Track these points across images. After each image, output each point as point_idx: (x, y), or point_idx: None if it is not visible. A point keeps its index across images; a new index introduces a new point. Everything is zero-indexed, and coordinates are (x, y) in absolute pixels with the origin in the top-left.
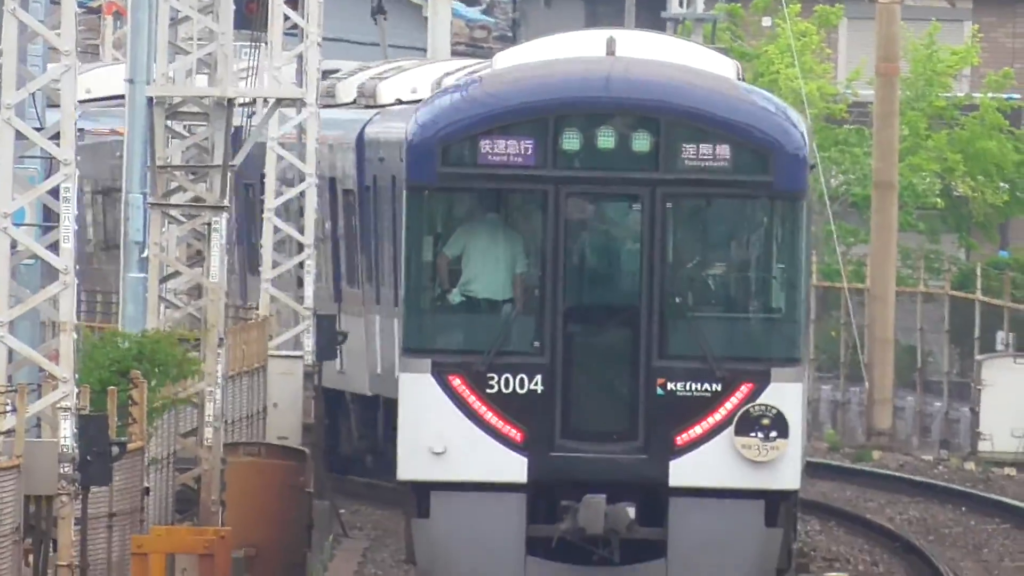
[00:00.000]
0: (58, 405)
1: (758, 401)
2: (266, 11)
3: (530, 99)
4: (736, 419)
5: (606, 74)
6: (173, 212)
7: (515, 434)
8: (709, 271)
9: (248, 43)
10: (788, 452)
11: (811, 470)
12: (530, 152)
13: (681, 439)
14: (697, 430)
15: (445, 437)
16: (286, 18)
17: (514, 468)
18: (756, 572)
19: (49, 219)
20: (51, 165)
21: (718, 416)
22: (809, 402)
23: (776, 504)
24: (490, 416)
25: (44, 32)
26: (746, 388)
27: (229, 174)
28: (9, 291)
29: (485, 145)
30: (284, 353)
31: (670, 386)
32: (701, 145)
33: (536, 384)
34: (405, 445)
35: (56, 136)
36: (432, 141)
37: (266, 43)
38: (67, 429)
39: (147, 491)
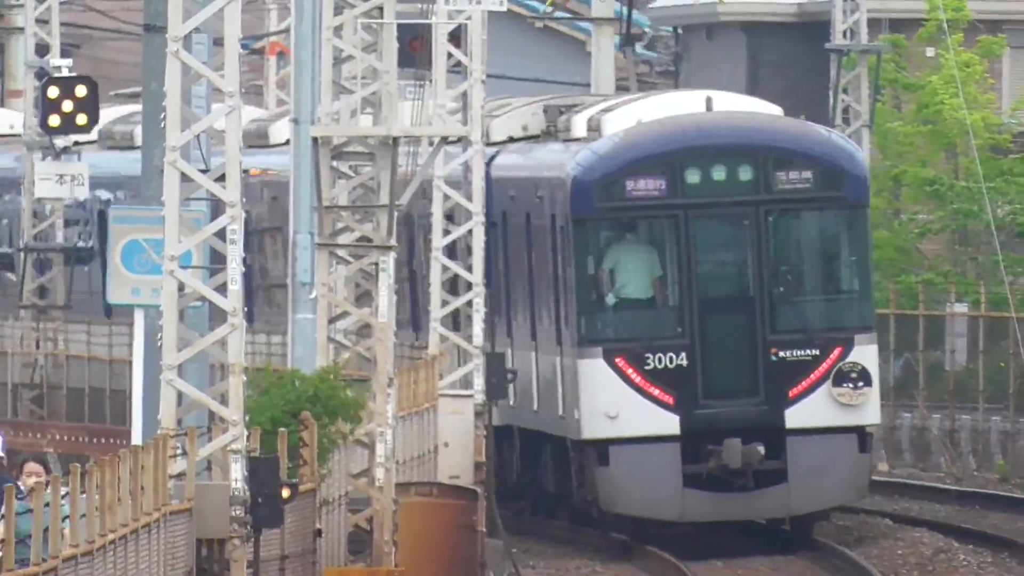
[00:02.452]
0: (228, 448)
1: (847, 360)
2: (429, 49)
3: (661, 148)
4: (832, 374)
5: (714, 125)
6: (340, 252)
7: (668, 398)
8: (803, 265)
9: (412, 81)
10: (871, 397)
11: (982, 501)
12: (663, 187)
13: (792, 392)
14: (803, 384)
15: (616, 404)
16: (449, 56)
17: (669, 424)
18: (853, 490)
19: (216, 261)
20: (217, 207)
21: (818, 373)
22: (979, 432)
23: (865, 436)
24: (649, 387)
25: (208, 73)
26: (837, 351)
27: (396, 212)
28: (178, 334)
29: (629, 183)
30: (454, 392)
31: (781, 354)
32: (790, 172)
33: (681, 360)
34: (586, 413)
35: (221, 178)
36: (591, 183)
37: (430, 81)
38: (238, 471)
39: (319, 533)
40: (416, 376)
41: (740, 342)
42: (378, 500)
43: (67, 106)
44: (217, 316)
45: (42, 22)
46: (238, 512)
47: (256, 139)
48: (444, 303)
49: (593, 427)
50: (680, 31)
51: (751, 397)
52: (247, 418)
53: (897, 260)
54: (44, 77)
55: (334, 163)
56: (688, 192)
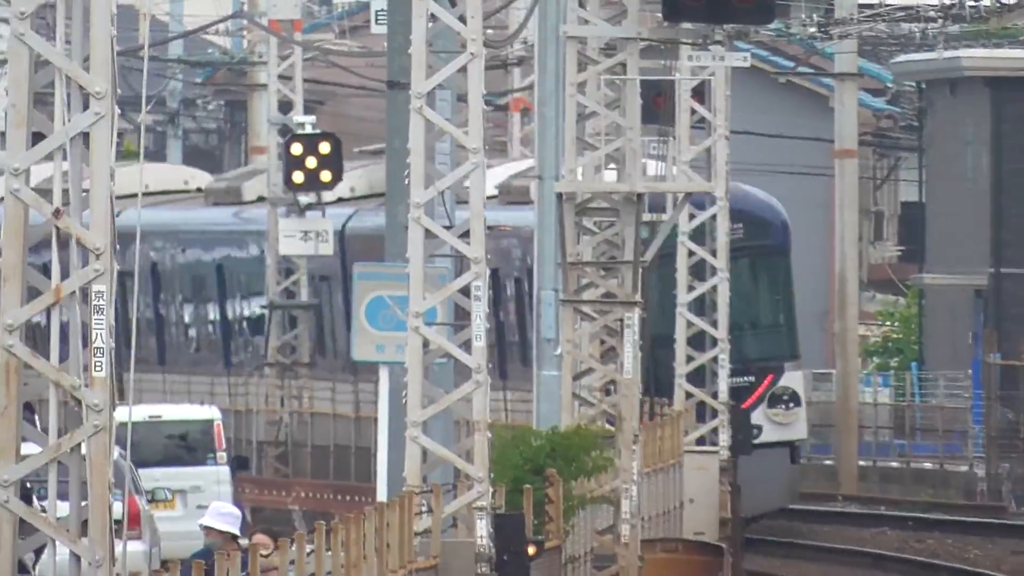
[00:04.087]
0: (474, 505)
1: (779, 384)
2: (673, 105)
3: None
4: (766, 397)
5: None
6: (585, 308)
7: None
8: (739, 305)
9: (656, 138)
10: (800, 415)
11: None
12: None
13: None
14: (743, 406)
15: None
16: (693, 112)
17: None
18: (787, 496)
19: (460, 317)
20: (461, 263)
21: (754, 397)
22: None
23: (795, 449)
24: None
25: (451, 130)
26: (769, 378)
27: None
28: (422, 390)
29: None
30: (700, 448)
31: None
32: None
33: None
34: None
35: (465, 234)
36: None
37: (673, 137)
38: (483, 528)
39: None
40: (661, 432)
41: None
42: (623, 556)
43: (311, 163)
44: (462, 373)
45: (285, 79)
46: (484, 569)
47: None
48: (689, 359)
49: None
50: (923, 86)
51: None
52: (491, 475)
53: None
54: (287, 134)
55: (578, 219)
56: None
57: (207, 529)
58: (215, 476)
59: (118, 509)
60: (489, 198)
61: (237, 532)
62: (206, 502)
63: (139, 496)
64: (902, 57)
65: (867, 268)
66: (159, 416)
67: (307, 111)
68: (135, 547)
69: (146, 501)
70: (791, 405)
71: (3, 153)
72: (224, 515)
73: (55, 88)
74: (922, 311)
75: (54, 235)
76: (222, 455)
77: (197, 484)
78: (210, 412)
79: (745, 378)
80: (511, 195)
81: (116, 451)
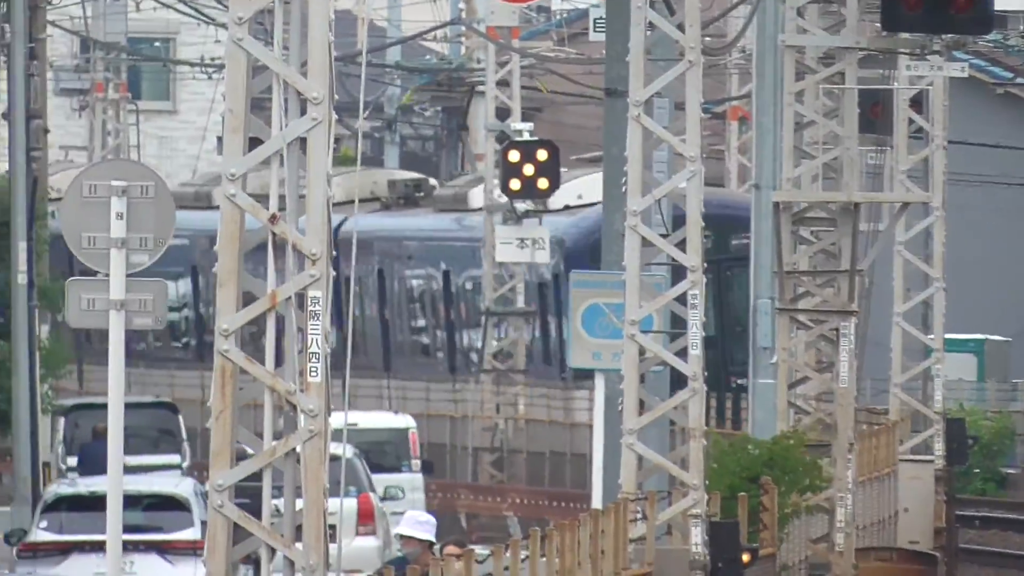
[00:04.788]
0: (689, 512)
1: None
2: (890, 115)
3: None
4: None
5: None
6: (801, 317)
7: None
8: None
9: (873, 147)
10: None
11: None
12: None
13: None
14: None
15: None
16: (911, 121)
17: None
18: None
19: (676, 326)
20: (676, 271)
21: None
22: None
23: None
24: None
25: (669, 138)
26: None
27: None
28: (638, 398)
29: None
30: (914, 457)
31: (739, 381)
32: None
33: None
34: None
35: (682, 243)
36: None
37: (891, 147)
38: (698, 536)
39: None
40: (876, 441)
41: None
42: (838, 565)
43: (528, 170)
44: (677, 380)
45: (503, 85)
46: None
47: None
48: (905, 368)
49: None
50: None
51: None
52: (707, 483)
53: None
54: (505, 141)
55: (794, 228)
56: None
57: (405, 538)
58: (410, 483)
59: (352, 506)
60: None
61: (434, 539)
62: (401, 509)
63: (372, 493)
64: None
65: None
66: (355, 424)
67: (524, 118)
68: (369, 543)
69: (378, 499)
70: None
71: (220, 158)
72: (422, 523)
73: (272, 93)
74: None
75: (270, 240)
76: (416, 463)
77: (393, 491)
78: (405, 420)
79: None
80: None
81: (351, 449)
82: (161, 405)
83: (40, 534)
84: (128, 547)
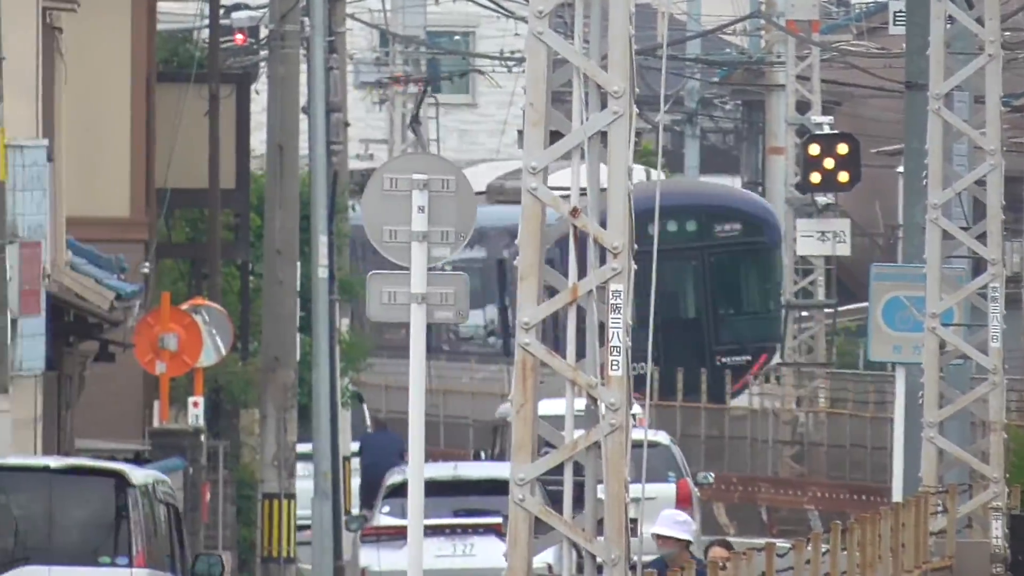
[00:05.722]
0: (989, 505)
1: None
2: None
3: None
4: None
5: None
6: None
7: None
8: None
9: None
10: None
11: None
12: None
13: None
14: (740, 383)
15: None
16: None
17: None
18: None
19: (976, 319)
20: (977, 264)
21: (752, 374)
22: None
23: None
24: None
25: (969, 131)
26: (763, 357)
27: None
28: (938, 391)
29: None
30: None
31: (723, 359)
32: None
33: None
34: None
35: (982, 235)
36: None
37: None
38: (998, 529)
39: None
40: None
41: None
42: None
43: (828, 163)
44: (978, 373)
45: (803, 79)
46: (999, 570)
47: None
48: None
49: None
50: None
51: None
52: (1007, 476)
53: None
54: (804, 134)
55: None
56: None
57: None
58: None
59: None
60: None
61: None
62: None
63: (689, 479)
64: None
65: None
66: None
67: (824, 112)
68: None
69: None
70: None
71: (521, 152)
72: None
73: (573, 87)
74: None
75: (571, 234)
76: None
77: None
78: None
79: (742, 357)
80: (503, 195)
81: (665, 436)
82: None
83: (383, 519)
84: (468, 530)
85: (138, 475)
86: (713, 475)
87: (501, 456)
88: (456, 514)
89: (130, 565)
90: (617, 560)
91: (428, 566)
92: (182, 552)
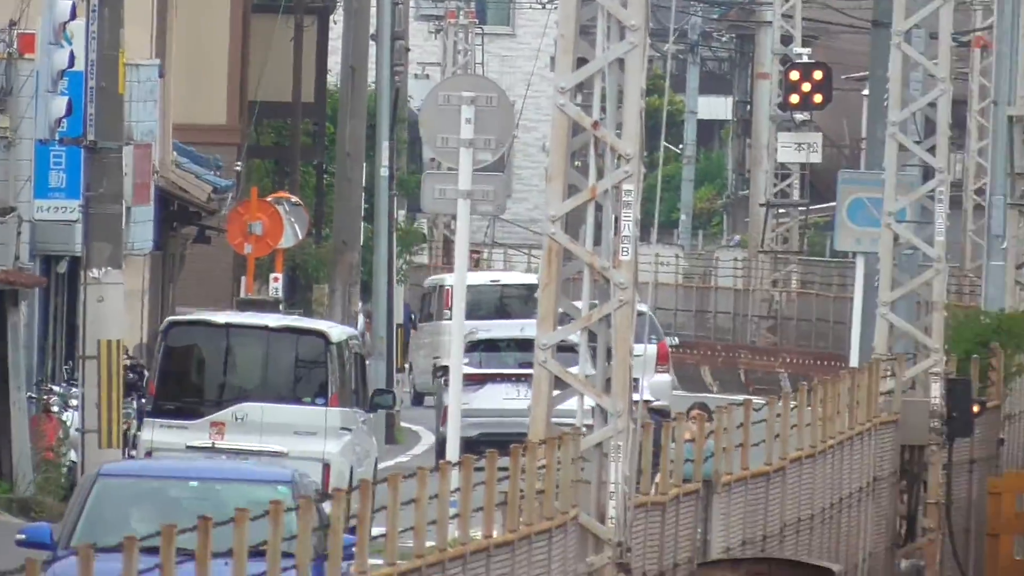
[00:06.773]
0: (929, 371)
1: None
2: None
3: None
4: None
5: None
6: None
7: None
8: None
9: None
10: None
11: None
12: None
13: None
14: None
15: None
16: None
17: None
18: None
19: (925, 217)
20: (926, 172)
21: None
22: None
23: None
24: None
25: (924, 62)
26: None
27: None
28: (891, 276)
29: None
30: None
31: None
32: None
33: None
34: None
35: (932, 148)
36: None
37: None
38: (937, 390)
39: (1001, 441)
40: None
41: None
42: None
43: (805, 87)
44: (924, 262)
45: (787, 17)
46: (936, 424)
47: None
48: None
49: None
50: None
51: None
52: (946, 347)
53: None
54: (787, 63)
55: None
56: None
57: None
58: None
59: (652, 350)
60: None
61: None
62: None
63: (667, 339)
64: None
65: None
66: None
67: (804, 44)
68: (664, 378)
69: (670, 347)
70: None
71: (553, 74)
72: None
73: (597, 21)
74: None
75: (592, 143)
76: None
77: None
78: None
79: None
80: None
81: (644, 305)
82: None
83: (464, 368)
84: (523, 379)
85: (336, 332)
86: (678, 339)
87: (428, 317)
88: (521, 366)
89: (327, 404)
90: (621, 412)
91: (498, 406)
92: (364, 389)
